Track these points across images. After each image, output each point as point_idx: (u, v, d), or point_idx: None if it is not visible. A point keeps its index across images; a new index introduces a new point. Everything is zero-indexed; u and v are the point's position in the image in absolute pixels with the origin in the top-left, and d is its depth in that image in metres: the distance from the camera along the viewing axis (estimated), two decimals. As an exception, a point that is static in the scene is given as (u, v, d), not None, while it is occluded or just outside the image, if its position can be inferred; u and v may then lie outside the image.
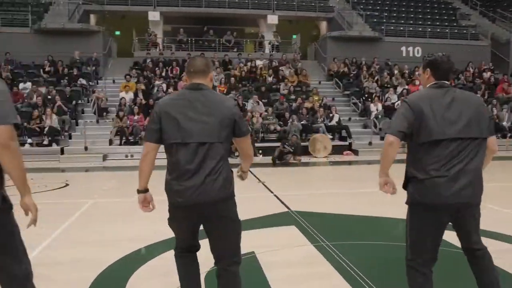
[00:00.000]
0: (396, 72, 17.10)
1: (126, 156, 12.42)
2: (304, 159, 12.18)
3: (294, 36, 22.51)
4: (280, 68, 16.66)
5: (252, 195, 6.77)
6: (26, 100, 13.48)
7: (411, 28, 19.23)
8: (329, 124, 13.44)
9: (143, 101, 13.98)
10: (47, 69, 15.90)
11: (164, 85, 15.07)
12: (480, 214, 2.55)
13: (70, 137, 12.98)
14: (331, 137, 13.01)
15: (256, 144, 12.31)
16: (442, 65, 2.54)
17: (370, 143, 13.16)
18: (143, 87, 14.91)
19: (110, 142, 12.77)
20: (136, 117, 13.08)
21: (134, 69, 16.54)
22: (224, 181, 2.40)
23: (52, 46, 16.65)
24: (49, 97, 13.64)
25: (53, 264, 3.98)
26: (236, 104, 2.70)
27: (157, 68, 16.49)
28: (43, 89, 14.07)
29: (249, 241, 4.78)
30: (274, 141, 12.80)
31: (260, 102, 13.86)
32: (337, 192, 7.69)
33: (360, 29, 18.95)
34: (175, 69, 16.32)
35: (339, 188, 8.24)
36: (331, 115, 13.62)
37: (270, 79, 16.14)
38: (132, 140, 12.76)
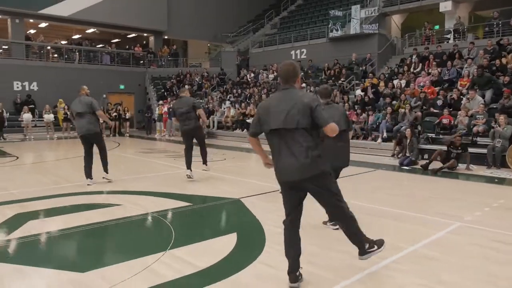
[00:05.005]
0: None
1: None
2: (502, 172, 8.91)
3: None
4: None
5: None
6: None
7: None
8: None
9: (369, 97, 14.16)
10: (327, 70, 18.74)
11: (403, 82, 14.39)
12: None
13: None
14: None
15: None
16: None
17: None
18: (381, 84, 14.90)
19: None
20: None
21: (396, 66, 16.48)
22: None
23: (339, 51, 19.34)
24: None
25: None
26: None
27: (413, 64, 15.65)
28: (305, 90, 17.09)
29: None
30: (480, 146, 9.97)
31: (478, 98, 10.77)
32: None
33: None
34: (431, 64, 14.87)
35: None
36: None
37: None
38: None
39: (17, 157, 11.57)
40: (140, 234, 4.80)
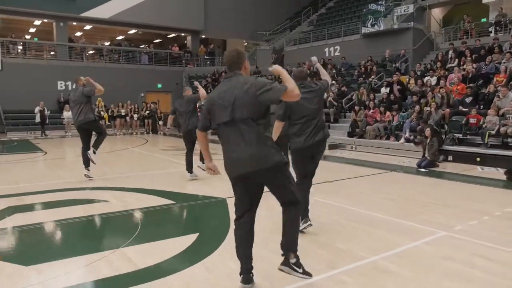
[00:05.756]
0: None
1: (351, 147, 12.99)
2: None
3: None
4: None
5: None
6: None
7: None
8: None
9: (395, 95, 13.48)
10: (361, 68, 18.06)
11: (434, 79, 13.54)
12: None
13: (329, 127, 14.92)
14: None
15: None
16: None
17: None
18: (411, 81, 14.13)
19: (348, 134, 13.65)
20: (371, 111, 13.13)
21: (431, 62, 15.55)
22: None
23: (373, 48, 18.60)
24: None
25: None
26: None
27: (449, 59, 14.69)
28: (332, 87, 16.61)
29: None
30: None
31: (511, 95, 9.85)
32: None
33: None
34: (466, 59, 13.84)
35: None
36: None
37: None
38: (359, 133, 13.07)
39: (46, 153, 12.23)
40: (105, 231, 4.88)
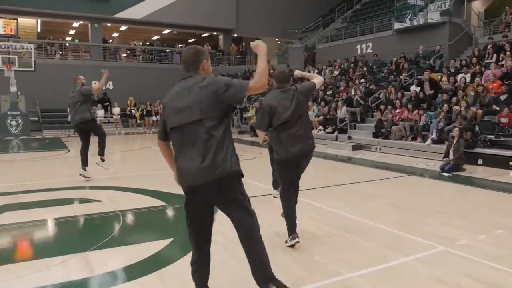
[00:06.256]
0: None
1: (376, 148, 12.33)
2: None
3: None
4: None
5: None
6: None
7: None
8: None
9: (424, 93, 12.66)
10: (392, 65, 17.21)
11: (468, 75, 12.61)
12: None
13: (355, 127, 14.27)
14: None
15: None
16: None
17: None
18: (442, 78, 13.24)
19: (373, 134, 12.98)
20: (397, 110, 12.41)
21: (468, 58, 14.51)
22: None
23: (407, 44, 17.67)
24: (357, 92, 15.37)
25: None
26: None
27: (487, 55, 13.64)
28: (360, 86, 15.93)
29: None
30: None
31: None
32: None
33: None
34: (505, 54, 12.78)
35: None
36: None
37: None
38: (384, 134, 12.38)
39: (69, 150, 12.53)
40: (79, 232, 4.78)
